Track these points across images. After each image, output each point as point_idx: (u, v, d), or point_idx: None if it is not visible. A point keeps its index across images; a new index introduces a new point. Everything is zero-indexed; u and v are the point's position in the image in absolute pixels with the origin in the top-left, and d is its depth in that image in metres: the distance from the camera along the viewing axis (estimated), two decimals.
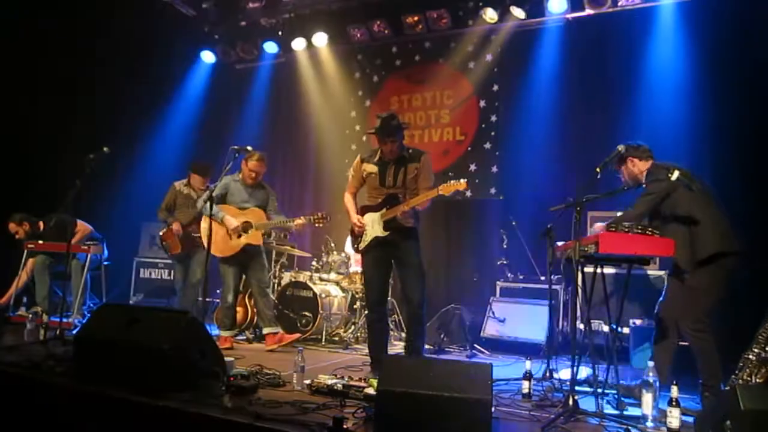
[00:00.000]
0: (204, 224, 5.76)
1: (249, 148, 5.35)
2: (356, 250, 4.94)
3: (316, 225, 5.67)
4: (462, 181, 4.37)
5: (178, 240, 6.43)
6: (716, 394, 3.76)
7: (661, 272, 5.83)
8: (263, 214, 5.84)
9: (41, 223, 6.99)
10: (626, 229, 3.74)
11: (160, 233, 6.62)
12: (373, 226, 4.72)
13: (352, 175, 5.04)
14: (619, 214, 4.28)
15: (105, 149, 5.64)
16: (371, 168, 4.81)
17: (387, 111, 5.06)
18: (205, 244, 5.09)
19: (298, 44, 8.64)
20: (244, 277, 6.16)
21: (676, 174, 3.91)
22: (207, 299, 6.36)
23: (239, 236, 5.75)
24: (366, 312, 5.86)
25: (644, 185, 4.22)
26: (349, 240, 7.25)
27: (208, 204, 5.03)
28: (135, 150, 8.54)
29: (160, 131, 8.80)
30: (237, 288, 5.96)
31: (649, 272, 5.86)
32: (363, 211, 4.82)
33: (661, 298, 4.25)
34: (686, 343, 4.08)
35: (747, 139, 6.10)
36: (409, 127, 4.86)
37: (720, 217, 4.07)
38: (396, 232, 4.65)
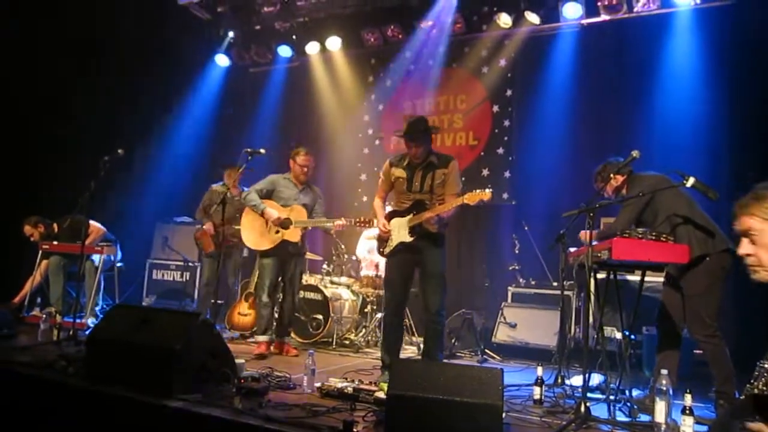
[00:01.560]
0: (244, 219, 5.81)
1: (262, 150, 5.38)
2: (381, 254, 4.90)
3: (357, 227, 5.61)
4: (487, 191, 4.32)
5: (211, 239, 6.71)
6: (730, 402, 3.71)
7: None
8: (305, 213, 5.67)
9: (55, 225, 7.05)
10: (639, 236, 3.71)
11: (195, 234, 7.05)
12: (399, 231, 4.68)
13: (381, 180, 4.97)
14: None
15: (120, 151, 5.70)
16: (399, 172, 4.76)
17: (417, 115, 5.01)
18: (245, 241, 5.55)
19: (312, 48, 8.68)
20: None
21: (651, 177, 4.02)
22: (219, 301, 6.41)
23: (277, 231, 5.62)
24: (382, 314, 5.93)
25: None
26: (360, 243, 7.28)
27: (252, 194, 5.28)
28: (149, 152, 8.60)
29: (174, 134, 8.87)
30: (274, 286, 5.76)
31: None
32: (391, 216, 4.79)
33: (659, 306, 4.23)
34: (700, 351, 4.04)
35: (765, 143, 6.04)
36: (438, 131, 4.77)
37: (703, 217, 4.07)
38: (421, 238, 4.59)
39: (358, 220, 5.46)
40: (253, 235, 5.75)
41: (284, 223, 5.59)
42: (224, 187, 6.72)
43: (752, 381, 3.57)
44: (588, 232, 3.79)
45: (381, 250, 4.85)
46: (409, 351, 6.33)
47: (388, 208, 4.96)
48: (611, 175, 4.30)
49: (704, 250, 3.95)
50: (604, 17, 7.15)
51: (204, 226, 6.78)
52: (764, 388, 3.50)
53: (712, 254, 3.95)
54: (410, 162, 4.72)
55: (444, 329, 4.86)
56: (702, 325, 3.92)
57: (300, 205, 5.68)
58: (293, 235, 5.60)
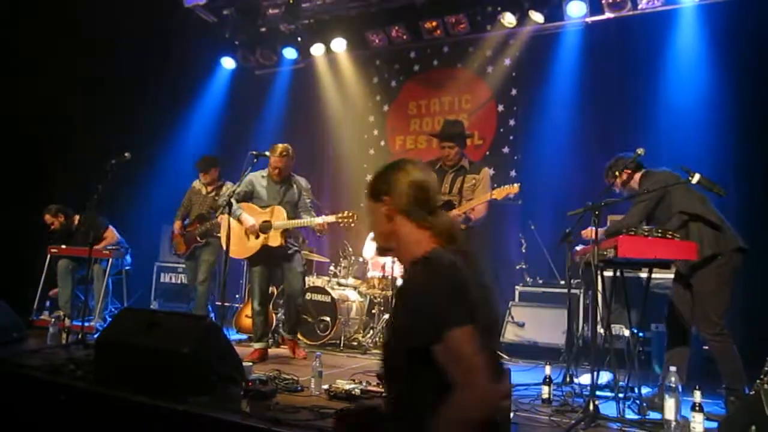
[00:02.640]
0: (224, 223, 5.39)
1: (267, 153, 5.36)
2: None
3: (341, 224, 5.29)
4: (515, 185, 4.37)
5: (181, 239, 6.52)
6: (741, 398, 3.70)
7: None
8: (284, 213, 5.35)
9: (76, 218, 7.04)
10: (646, 233, 3.69)
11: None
12: None
13: None
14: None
15: (126, 154, 5.73)
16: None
17: (455, 118, 5.04)
18: (224, 245, 5.01)
19: (317, 50, 8.69)
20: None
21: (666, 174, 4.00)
22: (225, 303, 6.41)
23: (257, 236, 5.36)
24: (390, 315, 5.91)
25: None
26: (367, 245, 7.28)
27: (229, 202, 5.04)
28: (156, 155, 8.63)
29: (181, 136, 8.90)
30: (263, 293, 5.53)
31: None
32: None
33: (669, 304, 4.21)
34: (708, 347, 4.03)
35: None
36: (471, 136, 4.75)
37: (715, 214, 4.05)
38: None
39: (341, 216, 5.20)
40: (233, 242, 5.14)
41: (263, 228, 5.34)
42: (200, 184, 6.62)
43: (762, 376, 3.57)
44: (593, 229, 3.78)
45: None
46: None
47: None
48: (621, 170, 4.30)
49: (716, 248, 3.93)
50: (608, 15, 7.14)
51: (173, 226, 6.59)
52: None
53: (724, 253, 3.94)
54: (442, 165, 4.75)
55: None
56: (709, 323, 3.91)
57: (280, 205, 5.41)
58: (274, 239, 5.31)
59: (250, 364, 4.05)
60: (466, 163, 4.73)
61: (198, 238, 6.41)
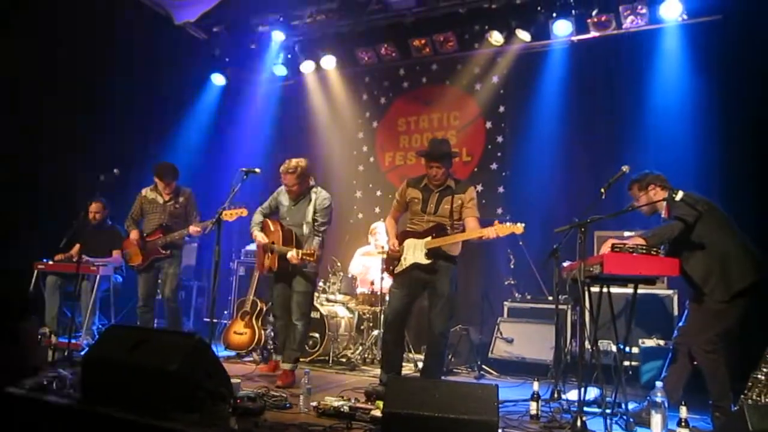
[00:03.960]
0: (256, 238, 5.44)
1: (257, 170, 5.32)
2: (390, 273, 4.85)
3: (305, 260, 5.07)
4: (519, 225, 4.37)
5: (138, 250, 6.17)
6: (727, 414, 3.73)
7: (670, 291, 5.81)
8: (285, 237, 5.24)
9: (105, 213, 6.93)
10: (630, 250, 3.74)
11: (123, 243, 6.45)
12: (414, 252, 4.63)
13: (396, 200, 4.94)
14: (627, 234, 4.27)
15: (115, 171, 5.70)
16: (415, 193, 4.76)
17: (442, 137, 5.02)
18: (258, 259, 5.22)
19: (307, 67, 8.74)
20: None
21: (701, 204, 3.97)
22: (214, 320, 6.37)
23: (272, 252, 5.29)
24: (379, 332, 6.04)
25: (662, 213, 4.27)
26: (354, 260, 7.30)
27: (255, 215, 5.19)
28: (145, 171, 8.59)
29: (170, 152, 8.86)
30: (283, 308, 5.38)
31: (658, 292, 5.83)
32: (404, 236, 4.74)
33: (681, 323, 4.24)
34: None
35: (756, 155, 6.09)
36: (458, 155, 4.74)
37: (749, 245, 4.10)
38: (437, 260, 4.59)
39: (305, 253, 4.99)
40: (258, 254, 5.53)
41: (270, 248, 5.32)
42: (154, 192, 6.29)
43: (746, 391, 3.62)
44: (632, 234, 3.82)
45: (390, 268, 4.80)
46: (407, 368, 6.32)
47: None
48: (654, 187, 4.32)
49: (758, 276, 3.98)
50: (593, 34, 7.25)
51: (129, 235, 6.24)
52: (758, 398, 3.55)
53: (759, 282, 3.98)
54: (427, 184, 4.73)
55: (446, 351, 4.91)
56: (707, 339, 3.94)
57: (290, 225, 5.34)
58: (272, 261, 5.29)
59: (238, 381, 4.04)
60: (452, 183, 4.71)
61: (161, 249, 6.05)
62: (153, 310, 6.24)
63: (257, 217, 5.50)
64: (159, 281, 6.27)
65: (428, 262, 4.55)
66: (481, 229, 4.47)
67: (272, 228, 5.39)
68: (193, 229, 5.86)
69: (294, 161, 5.31)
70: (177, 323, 6.23)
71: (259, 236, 5.37)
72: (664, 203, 4.25)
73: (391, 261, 4.82)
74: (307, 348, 6.28)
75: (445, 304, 4.56)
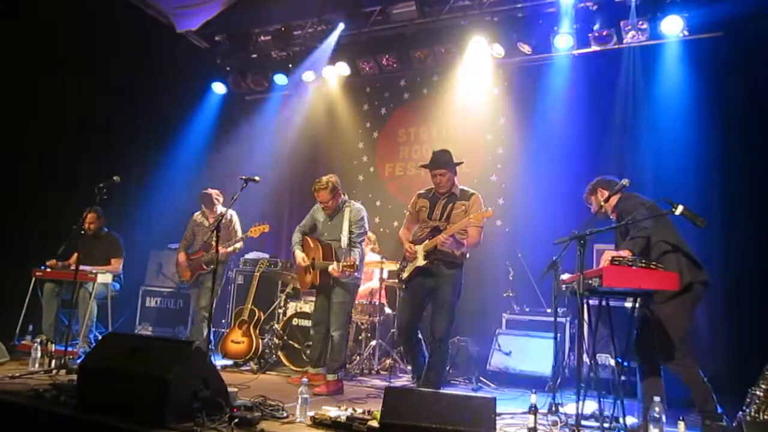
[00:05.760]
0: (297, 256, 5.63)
1: (257, 178, 5.35)
2: (399, 280, 5.10)
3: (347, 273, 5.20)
4: (489, 209, 4.67)
5: (186, 267, 6.81)
6: (715, 419, 3.77)
7: None
8: (325, 252, 5.40)
9: (101, 222, 7.00)
10: (630, 263, 3.73)
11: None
12: (417, 256, 4.89)
13: (409, 212, 5.24)
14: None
15: (115, 178, 5.74)
16: (423, 203, 5.06)
17: (442, 148, 5.18)
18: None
19: (308, 77, 8.76)
20: None
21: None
22: (212, 329, 6.38)
23: (309, 271, 5.51)
24: (377, 342, 6.32)
25: (611, 215, 4.43)
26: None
27: (294, 234, 5.45)
28: (144, 178, 8.62)
29: (169, 160, 8.88)
30: (320, 321, 5.52)
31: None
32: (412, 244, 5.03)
33: (635, 333, 4.24)
34: None
35: (756, 172, 6.11)
36: (461, 163, 5.03)
37: (687, 246, 4.13)
38: (437, 264, 4.80)
39: (346, 265, 5.12)
40: (299, 273, 5.74)
41: (312, 265, 5.48)
42: (202, 216, 6.99)
43: (744, 408, 3.60)
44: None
45: (400, 276, 5.04)
46: (404, 379, 6.30)
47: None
48: (599, 190, 4.52)
49: (692, 278, 4.01)
50: (594, 48, 7.27)
51: (178, 257, 6.94)
52: (756, 414, 3.53)
53: (695, 283, 4.03)
54: (435, 193, 5.00)
55: (447, 356, 5.05)
56: (672, 349, 3.97)
57: (330, 240, 5.50)
58: (314, 277, 5.45)
59: (235, 389, 4.02)
60: (457, 191, 4.95)
61: (204, 266, 6.69)
62: (205, 320, 6.56)
63: (296, 237, 5.69)
64: None
65: (425, 263, 4.79)
66: (461, 221, 4.70)
67: (312, 245, 5.58)
68: (221, 249, 6.07)
69: (325, 178, 5.50)
70: (200, 331, 6.49)
71: (299, 257, 5.56)
72: (608, 206, 4.44)
73: (401, 269, 5.07)
74: (304, 357, 6.23)
75: (447, 311, 4.76)
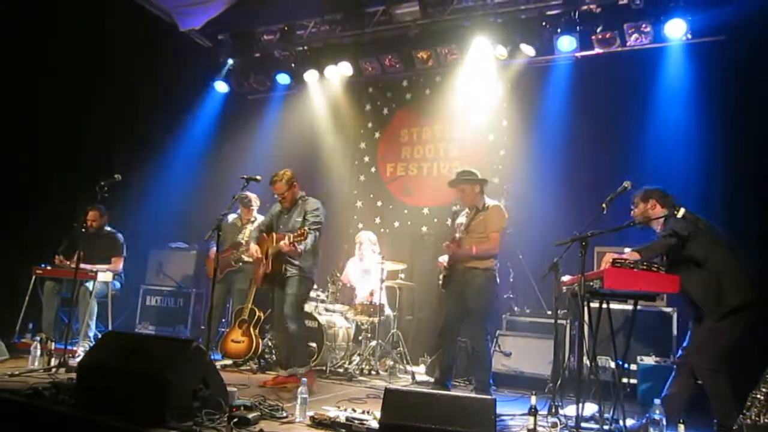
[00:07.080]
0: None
1: (258, 177, 5.36)
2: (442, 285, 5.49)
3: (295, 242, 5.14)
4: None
5: (213, 264, 6.70)
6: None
7: (669, 309, 5.80)
8: (278, 240, 5.35)
9: (103, 221, 7.03)
10: (631, 265, 3.72)
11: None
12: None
13: (448, 225, 5.94)
14: (627, 250, 4.26)
15: (117, 176, 5.74)
16: (455, 216, 5.75)
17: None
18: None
19: (311, 76, 8.76)
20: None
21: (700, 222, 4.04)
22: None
23: (263, 263, 5.53)
24: (376, 342, 6.43)
25: (657, 229, 4.28)
26: (348, 269, 7.37)
27: (253, 232, 5.58)
28: (146, 177, 8.61)
29: (171, 159, 8.88)
30: (279, 320, 5.52)
31: (658, 309, 5.81)
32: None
33: (685, 344, 4.23)
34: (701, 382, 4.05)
35: (758, 177, 6.10)
36: (485, 181, 5.51)
37: (743, 265, 4.10)
38: (461, 273, 5.26)
39: (296, 236, 5.10)
40: (257, 270, 5.76)
41: (263, 255, 5.52)
42: (237, 218, 7.24)
43: (745, 411, 3.59)
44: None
45: (440, 281, 5.50)
46: (403, 380, 6.29)
47: None
48: (652, 201, 4.41)
49: (753, 297, 4.00)
50: (597, 50, 7.26)
51: (209, 253, 7.10)
52: (756, 418, 3.52)
53: (755, 304, 4.00)
54: (465, 209, 5.52)
55: (489, 360, 5.38)
56: (710, 358, 3.96)
57: (286, 232, 5.37)
58: (267, 265, 5.47)
59: (235, 389, 4.02)
60: (480, 204, 5.35)
61: (233, 263, 6.97)
62: (220, 317, 7.14)
63: (254, 234, 5.84)
64: (229, 294, 7.17)
65: (447, 272, 5.33)
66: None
67: (266, 237, 5.61)
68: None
69: (280, 171, 5.59)
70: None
71: (253, 248, 5.61)
72: (661, 221, 4.28)
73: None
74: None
75: (476, 319, 5.18)
